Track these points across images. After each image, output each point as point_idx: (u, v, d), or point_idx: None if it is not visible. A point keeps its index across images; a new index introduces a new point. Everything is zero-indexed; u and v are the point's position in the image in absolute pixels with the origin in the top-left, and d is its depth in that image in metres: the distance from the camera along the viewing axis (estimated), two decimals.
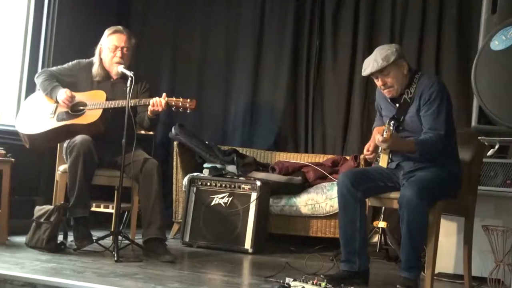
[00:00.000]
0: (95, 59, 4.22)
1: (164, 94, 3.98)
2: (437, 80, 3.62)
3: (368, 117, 5.60)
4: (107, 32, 4.21)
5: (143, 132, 4.93)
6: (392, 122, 3.57)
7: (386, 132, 3.39)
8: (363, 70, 3.61)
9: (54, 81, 4.16)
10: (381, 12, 5.64)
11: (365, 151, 3.66)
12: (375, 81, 3.63)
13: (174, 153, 5.21)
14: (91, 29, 5.30)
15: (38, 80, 4.21)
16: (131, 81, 3.88)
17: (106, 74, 4.21)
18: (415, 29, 5.52)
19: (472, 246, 3.75)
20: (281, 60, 5.86)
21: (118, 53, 4.13)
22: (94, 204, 4.87)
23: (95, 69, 4.20)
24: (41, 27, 5.04)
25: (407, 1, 5.58)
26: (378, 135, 3.43)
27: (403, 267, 3.45)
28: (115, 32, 4.18)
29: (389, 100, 3.69)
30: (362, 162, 5.13)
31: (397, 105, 3.65)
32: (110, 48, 4.14)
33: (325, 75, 5.77)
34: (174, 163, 5.20)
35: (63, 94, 4.05)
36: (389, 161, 3.63)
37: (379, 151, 3.68)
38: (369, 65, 3.55)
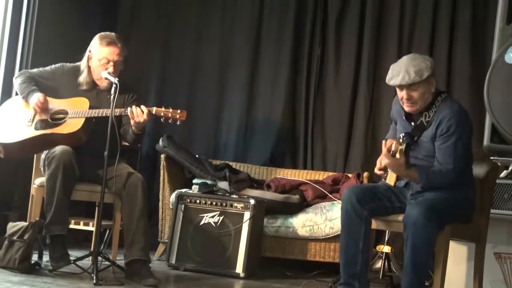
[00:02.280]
0: (83, 66, 4.21)
1: (145, 109, 3.94)
2: (458, 109, 3.61)
3: (372, 131, 5.61)
4: (98, 41, 4.16)
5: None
6: (404, 137, 3.56)
7: (395, 144, 3.38)
8: (389, 77, 3.61)
9: (32, 85, 4.15)
10: (388, 19, 5.65)
11: (378, 164, 3.67)
12: (398, 91, 3.64)
13: (161, 167, 5.20)
14: (74, 28, 5.34)
15: (16, 81, 4.21)
16: (116, 88, 3.88)
17: (94, 84, 4.21)
18: (425, 36, 5.53)
19: (484, 274, 3.75)
20: (280, 69, 5.87)
21: (110, 68, 4.11)
22: (72, 221, 4.86)
23: (83, 77, 4.19)
24: (20, 25, 5.04)
25: (416, 5, 5.59)
26: (386, 152, 3.42)
27: None
28: (108, 44, 4.13)
29: (404, 118, 3.71)
30: (365, 181, 5.15)
31: (412, 123, 3.67)
32: (100, 60, 4.12)
33: (327, 86, 5.78)
34: (161, 178, 5.19)
35: (35, 98, 4.03)
36: (397, 179, 3.65)
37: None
38: (398, 74, 3.55)
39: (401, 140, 3.46)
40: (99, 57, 4.13)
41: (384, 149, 3.53)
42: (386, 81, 3.64)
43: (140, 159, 5.55)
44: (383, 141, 3.96)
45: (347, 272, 3.56)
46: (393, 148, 3.42)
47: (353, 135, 5.67)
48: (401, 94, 3.61)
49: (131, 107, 3.99)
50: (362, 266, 3.54)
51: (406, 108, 3.65)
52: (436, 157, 3.56)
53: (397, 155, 3.44)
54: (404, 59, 3.63)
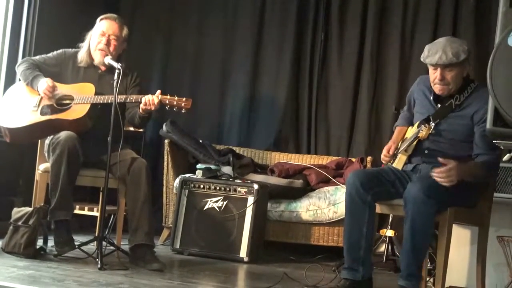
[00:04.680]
0: (84, 45, 4.24)
1: (158, 91, 3.97)
2: None
3: (376, 115, 5.62)
4: (98, 19, 4.22)
5: (131, 128, 4.94)
6: (433, 124, 3.57)
7: (422, 131, 3.41)
8: (424, 55, 3.59)
9: (36, 71, 4.16)
10: (392, 3, 5.64)
11: (385, 152, 3.67)
12: (431, 71, 3.62)
13: (165, 152, 5.21)
14: (77, 16, 5.33)
15: (19, 69, 4.22)
16: (119, 73, 3.88)
17: (92, 62, 4.22)
18: (428, 20, 5.52)
19: (487, 258, 3.76)
20: (283, 53, 5.86)
21: (103, 40, 4.14)
22: (77, 206, 4.89)
23: (81, 54, 4.22)
24: (22, 14, 5.02)
25: None
26: (443, 174, 3.38)
27: (402, 275, 3.46)
28: (106, 18, 4.20)
29: (431, 98, 3.70)
30: (369, 165, 5.16)
31: (438, 105, 3.66)
32: (97, 34, 4.16)
33: (330, 70, 5.77)
34: (165, 163, 5.20)
35: (44, 83, 4.05)
36: (406, 162, 3.66)
37: (398, 152, 3.70)
38: (435, 54, 3.54)
39: (431, 124, 3.44)
40: (96, 31, 4.17)
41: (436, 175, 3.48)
42: (421, 59, 3.62)
43: (144, 145, 5.56)
44: (396, 128, 3.96)
45: (351, 256, 3.57)
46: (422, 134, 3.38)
47: (356, 120, 5.68)
48: (435, 74, 3.60)
49: (135, 91, 3.99)
50: (365, 251, 3.55)
51: (437, 90, 3.64)
52: (477, 143, 3.55)
53: (423, 131, 3.40)
54: (442, 39, 3.62)
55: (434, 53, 3.55)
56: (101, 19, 4.21)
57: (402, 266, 3.47)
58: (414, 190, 3.36)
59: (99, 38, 4.16)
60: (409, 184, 3.47)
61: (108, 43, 4.14)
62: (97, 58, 4.18)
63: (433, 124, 3.58)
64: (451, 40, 3.63)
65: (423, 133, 3.38)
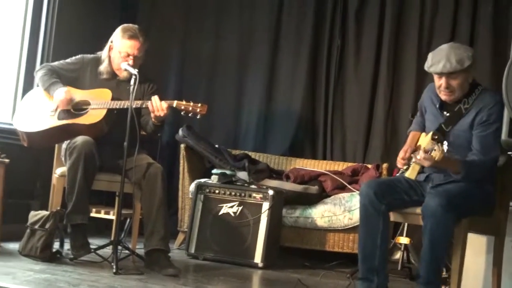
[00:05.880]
0: (104, 56, 4.25)
1: (164, 104, 3.97)
2: (500, 100, 3.53)
3: (392, 122, 5.60)
4: (121, 33, 4.19)
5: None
6: (446, 142, 3.56)
7: (435, 151, 3.36)
8: (428, 64, 3.59)
9: (54, 77, 4.20)
10: (409, 10, 5.61)
11: (401, 155, 3.67)
12: (436, 79, 3.61)
13: (181, 156, 5.23)
14: (95, 20, 5.37)
15: (38, 74, 4.26)
16: (135, 79, 3.91)
17: (114, 74, 4.25)
18: (446, 27, 5.48)
19: (502, 267, 3.74)
20: (299, 59, 5.85)
21: (130, 61, 4.13)
22: (93, 210, 4.92)
23: (104, 66, 4.24)
24: (41, 18, 5.06)
25: None
26: (422, 152, 3.39)
27: (421, 282, 3.46)
28: (130, 38, 4.15)
29: (437, 106, 3.70)
30: (385, 172, 5.15)
31: (446, 113, 3.66)
32: (122, 53, 4.15)
33: (347, 77, 5.76)
34: (181, 167, 5.22)
35: (61, 94, 4.08)
36: (420, 172, 3.65)
37: (412, 161, 3.69)
38: (439, 62, 3.53)
39: (443, 147, 3.43)
40: (120, 49, 4.16)
41: (420, 148, 3.47)
42: (425, 68, 3.61)
43: (160, 149, 5.58)
44: (410, 133, 3.95)
45: (365, 266, 3.56)
46: (433, 154, 3.37)
47: (372, 126, 5.65)
48: (440, 82, 3.59)
49: (150, 98, 4.02)
50: (380, 261, 3.54)
51: (443, 97, 3.64)
52: (473, 145, 3.54)
53: (436, 152, 3.39)
54: (446, 47, 3.60)
55: (438, 61, 3.54)
56: (124, 38, 4.15)
57: (421, 274, 3.47)
58: (432, 204, 3.36)
59: (125, 58, 4.14)
60: (426, 198, 3.46)
61: (133, 63, 4.13)
62: (122, 75, 4.19)
63: (446, 145, 3.55)
64: (455, 46, 3.60)
65: (437, 153, 3.36)
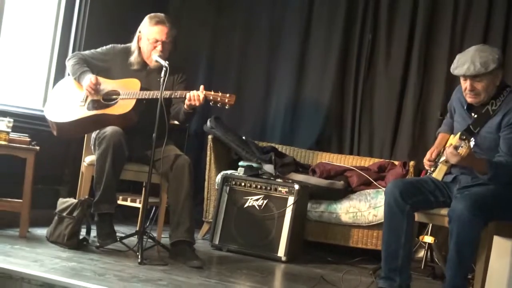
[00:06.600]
0: (134, 47, 4.28)
1: (201, 87, 4.01)
2: None
3: (421, 119, 5.56)
4: (148, 20, 4.23)
5: (176, 122, 5.00)
6: (473, 139, 3.54)
7: (462, 147, 3.34)
8: (454, 66, 3.58)
9: (84, 66, 4.24)
10: (442, 7, 5.54)
11: (428, 156, 3.65)
12: (462, 81, 3.61)
13: (208, 147, 5.25)
14: (126, 9, 5.40)
15: (69, 63, 4.31)
16: (166, 71, 3.94)
17: (144, 64, 4.28)
18: (479, 25, 5.42)
19: None
20: (329, 53, 5.82)
21: (159, 47, 4.16)
22: (120, 197, 4.96)
23: (134, 57, 4.27)
24: (74, 8, 5.11)
25: None
26: (451, 148, 3.38)
27: (447, 285, 3.46)
28: (157, 23, 4.19)
29: (465, 108, 3.68)
30: (411, 170, 5.12)
31: (474, 115, 3.64)
32: (150, 39, 4.18)
33: (377, 72, 5.72)
34: (208, 158, 5.24)
35: (87, 80, 4.12)
36: (447, 173, 3.63)
37: (439, 161, 3.68)
38: (463, 64, 3.52)
39: (470, 142, 3.41)
40: (148, 36, 4.19)
41: (448, 146, 3.46)
42: (451, 70, 3.61)
43: (188, 139, 5.62)
44: (439, 134, 3.94)
45: (388, 266, 3.58)
46: (459, 150, 3.35)
47: (401, 123, 5.62)
48: (465, 84, 3.58)
49: (181, 87, 4.03)
50: (403, 261, 3.55)
51: (469, 99, 3.62)
52: (500, 147, 3.52)
53: (463, 148, 3.37)
54: (472, 49, 3.59)
55: (462, 64, 3.52)
56: (151, 24, 4.20)
57: (447, 277, 3.48)
58: (459, 208, 3.35)
59: (153, 44, 4.18)
60: (453, 201, 3.45)
61: (163, 49, 4.17)
62: (153, 63, 4.21)
63: (473, 142, 3.53)
64: (481, 49, 3.57)
65: (463, 150, 3.34)
